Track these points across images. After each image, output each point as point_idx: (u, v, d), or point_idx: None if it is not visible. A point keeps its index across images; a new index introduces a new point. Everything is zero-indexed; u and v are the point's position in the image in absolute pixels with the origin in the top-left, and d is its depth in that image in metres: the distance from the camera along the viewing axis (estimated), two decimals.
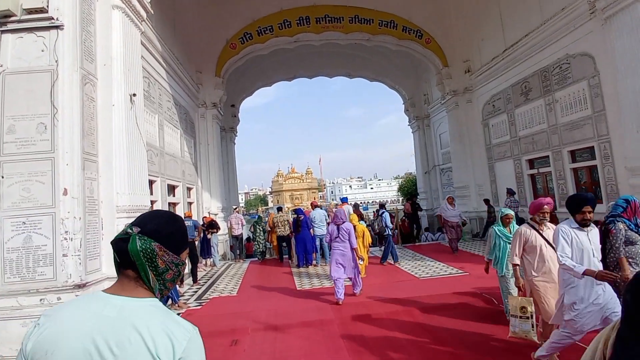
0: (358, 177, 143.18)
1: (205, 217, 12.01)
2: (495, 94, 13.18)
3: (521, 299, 4.23)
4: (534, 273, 4.12)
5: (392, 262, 9.38)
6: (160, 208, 8.79)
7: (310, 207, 12.16)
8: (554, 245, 3.62)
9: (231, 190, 17.84)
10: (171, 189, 10.37)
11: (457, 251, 10.35)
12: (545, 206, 4.15)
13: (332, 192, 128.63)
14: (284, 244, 11.26)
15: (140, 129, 6.27)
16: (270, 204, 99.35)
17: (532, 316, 4.08)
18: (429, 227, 17.47)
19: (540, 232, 4.16)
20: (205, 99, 13.65)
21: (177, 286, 7.42)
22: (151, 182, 8.66)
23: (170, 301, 6.65)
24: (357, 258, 6.55)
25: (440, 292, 6.44)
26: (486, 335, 4.70)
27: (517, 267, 4.26)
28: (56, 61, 4.88)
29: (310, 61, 18.60)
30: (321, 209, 11.04)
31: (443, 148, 17.96)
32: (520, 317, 4.13)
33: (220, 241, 12.82)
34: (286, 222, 10.83)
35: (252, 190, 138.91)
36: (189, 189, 11.90)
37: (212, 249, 11.15)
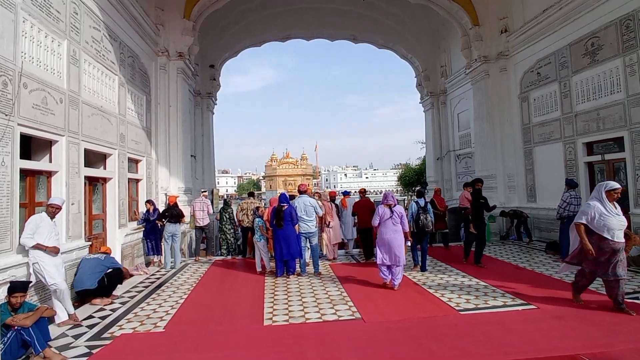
0: (354, 166, 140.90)
1: (170, 196, 9.03)
2: (543, 57, 10.19)
3: None
4: None
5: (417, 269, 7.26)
6: (65, 181, 5.79)
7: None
8: None
9: (205, 169, 14.82)
10: (98, 158, 7.35)
11: (622, 305, 4.58)
12: None
13: (327, 179, 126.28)
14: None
15: None
16: (263, 189, 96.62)
17: None
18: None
19: None
20: (168, 46, 10.50)
21: (54, 316, 4.49)
22: (50, 142, 5.66)
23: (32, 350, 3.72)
24: (407, 241, 6.26)
25: (515, 357, 3.56)
26: None
27: None
28: None
29: (309, 18, 15.42)
30: (313, 196, 8.10)
31: (461, 130, 15.04)
32: None
33: (184, 232, 9.92)
34: (251, 211, 8.02)
35: (245, 174, 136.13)
36: (134, 161, 8.87)
37: (164, 243, 8.19)
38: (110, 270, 5.80)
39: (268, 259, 7.43)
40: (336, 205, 9.04)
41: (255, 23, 15.09)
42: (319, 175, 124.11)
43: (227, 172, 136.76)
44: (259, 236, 7.20)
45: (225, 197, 12.21)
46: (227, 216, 10.02)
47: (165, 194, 10.00)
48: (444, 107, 16.15)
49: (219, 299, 5.85)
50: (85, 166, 6.54)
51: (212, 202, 14.70)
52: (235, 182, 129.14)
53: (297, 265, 7.15)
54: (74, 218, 5.96)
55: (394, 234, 5.98)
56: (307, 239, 7.16)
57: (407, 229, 6.17)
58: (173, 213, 8.09)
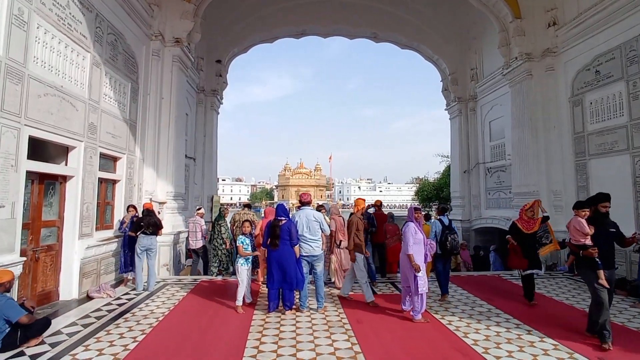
0: (368, 179, 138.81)
1: (146, 203, 7.66)
2: (604, 52, 8.49)
3: None
4: None
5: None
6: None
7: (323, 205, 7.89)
8: None
9: (206, 173, 13.41)
10: (59, 151, 5.97)
11: None
12: None
13: (340, 191, 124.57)
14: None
15: None
16: (276, 199, 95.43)
17: None
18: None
19: None
20: (164, 30, 9.20)
21: None
22: None
23: None
24: (414, 269, 4.97)
25: None
26: None
27: None
28: None
29: (326, 13, 14.07)
30: (320, 210, 6.56)
31: (493, 140, 13.32)
32: None
33: (166, 243, 8.50)
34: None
35: (259, 183, 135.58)
36: (110, 159, 7.48)
37: (137, 259, 6.68)
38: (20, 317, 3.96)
39: (249, 289, 5.78)
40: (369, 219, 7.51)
41: (268, 16, 13.81)
42: (332, 187, 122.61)
43: (240, 181, 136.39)
44: (239, 258, 5.59)
45: (220, 207, 10.62)
46: (220, 229, 8.50)
47: (150, 199, 8.58)
48: (473, 115, 14.47)
49: (185, 345, 4.28)
50: (33, 159, 5.17)
51: (211, 210, 13.34)
52: (248, 191, 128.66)
53: (296, 298, 5.55)
54: (3, 225, 4.53)
55: (404, 257, 5.18)
56: (310, 264, 5.57)
57: (410, 252, 5.04)
58: (149, 222, 6.59)
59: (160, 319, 5.14)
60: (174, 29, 9.34)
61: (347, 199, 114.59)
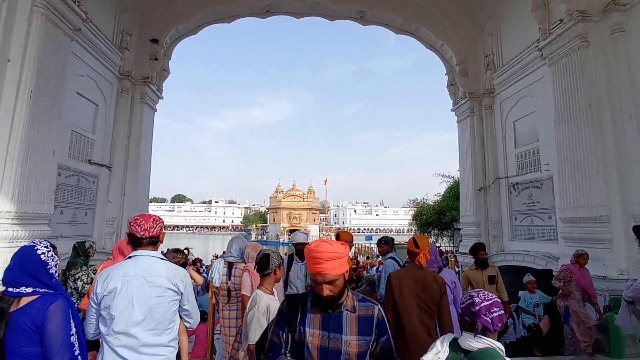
0: (364, 203, 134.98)
1: None
2: None
3: None
4: None
5: None
6: None
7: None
8: None
9: (129, 187, 9.74)
10: None
11: None
12: None
13: (335, 214, 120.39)
14: None
15: None
16: (268, 222, 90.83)
17: None
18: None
19: None
20: None
21: None
22: None
23: None
24: None
25: None
26: None
27: None
28: None
29: None
30: (177, 259, 2.94)
31: (520, 145, 9.83)
32: None
33: None
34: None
35: (254, 205, 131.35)
36: None
37: None
38: None
39: None
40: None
41: None
42: (328, 210, 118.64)
43: (233, 202, 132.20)
44: None
45: (85, 241, 5.96)
46: (74, 283, 4.66)
47: None
48: (489, 114, 11.04)
49: None
50: None
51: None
52: (241, 213, 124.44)
53: None
54: None
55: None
56: None
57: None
58: None
59: None
60: None
61: (343, 223, 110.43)
